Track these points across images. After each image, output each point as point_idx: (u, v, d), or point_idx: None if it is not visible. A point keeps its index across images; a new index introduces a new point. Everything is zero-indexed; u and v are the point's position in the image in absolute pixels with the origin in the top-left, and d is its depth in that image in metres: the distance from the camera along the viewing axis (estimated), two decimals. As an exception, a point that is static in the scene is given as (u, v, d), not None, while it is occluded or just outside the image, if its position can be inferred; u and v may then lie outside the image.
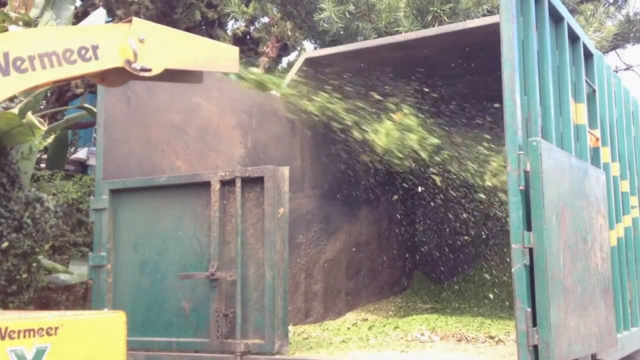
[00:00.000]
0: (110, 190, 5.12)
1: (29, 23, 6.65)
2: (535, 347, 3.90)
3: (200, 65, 3.93)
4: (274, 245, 4.63)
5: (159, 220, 5.03)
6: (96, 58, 3.50)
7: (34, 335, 2.91)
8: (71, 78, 3.51)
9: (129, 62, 3.61)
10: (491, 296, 8.83)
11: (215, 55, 3.97)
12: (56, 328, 2.99)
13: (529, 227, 4.03)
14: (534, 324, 3.93)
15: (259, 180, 4.72)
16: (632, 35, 10.23)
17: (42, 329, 2.94)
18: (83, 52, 3.45)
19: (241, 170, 4.83)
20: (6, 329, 2.85)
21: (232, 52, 4.07)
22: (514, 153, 4.09)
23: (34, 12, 7.10)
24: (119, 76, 3.75)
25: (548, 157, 4.10)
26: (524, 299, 3.95)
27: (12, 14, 6.55)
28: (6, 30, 6.09)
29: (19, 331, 2.88)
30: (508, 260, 9.30)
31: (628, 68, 13.83)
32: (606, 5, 10.14)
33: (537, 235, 3.98)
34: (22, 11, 6.80)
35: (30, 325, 2.92)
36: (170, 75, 3.87)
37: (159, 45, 3.73)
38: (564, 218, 4.24)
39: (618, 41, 10.25)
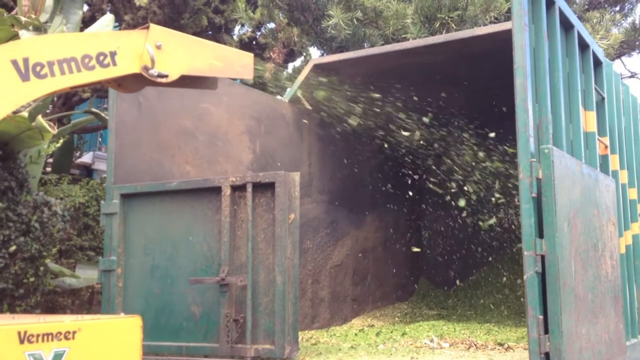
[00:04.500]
0: (121, 194, 5.13)
1: (39, 27, 6.68)
2: (547, 355, 3.91)
3: (216, 72, 3.94)
4: (285, 251, 4.64)
5: (169, 224, 5.04)
6: (114, 64, 3.52)
7: (52, 339, 2.92)
8: (89, 84, 3.53)
9: (146, 69, 3.63)
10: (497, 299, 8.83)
11: (230, 62, 4.00)
12: (74, 332, 3.00)
13: (540, 235, 4.04)
14: (546, 331, 3.94)
15: (270, 186, 4.74)
16: (638, 43, 10.25)
17: (60, 332, 2.96)
18: (101, 58, 3.47)
19: (252, 175, 4.85)
20: (25, 332, 2.86)
21: (247, 58, 4.10)
22: (526, 160, 4.10)
23: (43, 17, 7.14)
24: (135, 82, 3.77)
25: (560, 164, 4.12)
26: (536, 306, 3.95)
27: (22, 19, 6.57)
28: (16, 34, 6.11)
29: (38, 335, 2.89)
30: (514, 266, 9.34)
31: (633, 75, 13.85)
32: (612, 13, 10.17)
33: (549, 242, 3.99)
34: (32, 15, 6.84)
35: (49, 329, 2.93)
36: (186, 82, 3.89)
37: (175, 52, 3.75)
38: (575, 225, 4.25)
39: (624, 49, 10.27)
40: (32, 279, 5.75)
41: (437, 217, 10.25)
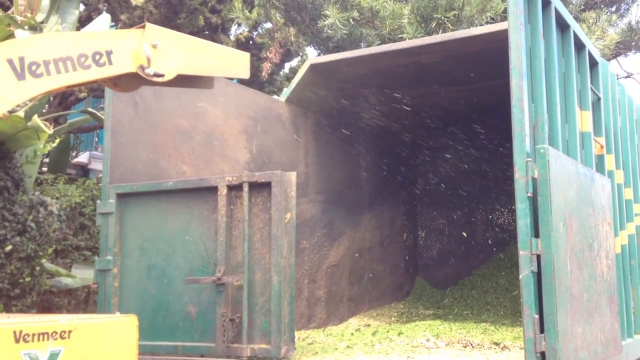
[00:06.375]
0: (117, 194, 5.13)
1: (35, 27, 6.67)
2: (543, 354, 3.91)
3: (212, 71, 3.94)
4: (281, 250, 4.64)
5: (165, 224, 5.03)
6: (110, 63, 3.52)
7: (47, 339, 2.92)
8: (85, 83, 3.53)
9: (142, 68, 3.63)
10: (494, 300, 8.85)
11: (226, 61, 4.00)
12: (69, 331, 3.00)
13: (536, 234, 4.05)
14: (541, 330, 3.94)
15: (266, 186, 4.74)
16: (634, 43, 10.28)
17: (55, 332, 2.95)
18: (97, 57, 3.47)
19: (248, 175, 4.85)
20: (20, 332, 2.85)
21: (244, 58, 4.10)
22: (522, 160, 4.10)
23: (39, 16, 7.12)
24: (131, 81, 3.77)
25: (556, 164, 4.12)
26: (532, 305, 3.96)
27: (18, 18, 6.57)
28: (12, 33, 6.10)
29: (33, 334, 2.88)
30: (510, 266, 9.35)
31: (629, 76, 13.89)
32: (608, 14, 10.18)
33: (545, 242, 3.99)
34: (29, 15, 6.82)
35: (44, 329, 2.93)
36: (182, 81, 3.89)
37: (171, 51, 3.75)
38: (570, 225, 4.26)
39: (620, 49, 10.30)
40: (28, 279, 5.74)
41: (433, 216, 10.27)
